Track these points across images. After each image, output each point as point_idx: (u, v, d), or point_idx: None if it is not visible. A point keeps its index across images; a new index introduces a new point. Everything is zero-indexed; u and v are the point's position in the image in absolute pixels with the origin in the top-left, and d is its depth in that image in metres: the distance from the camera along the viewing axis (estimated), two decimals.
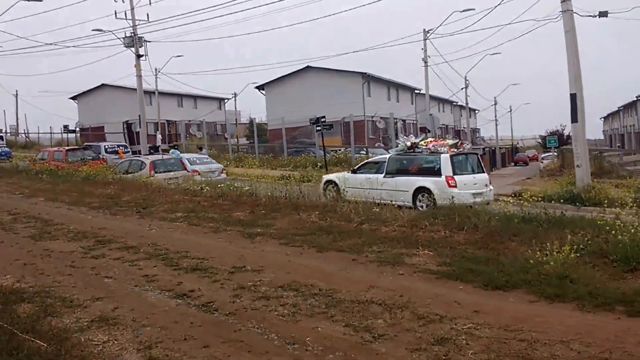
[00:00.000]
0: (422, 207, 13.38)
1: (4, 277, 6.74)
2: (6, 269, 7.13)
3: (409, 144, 15.26)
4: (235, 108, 66.96)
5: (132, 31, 36.42)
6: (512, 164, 69.17)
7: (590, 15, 18.67)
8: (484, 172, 15.06)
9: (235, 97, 64.36)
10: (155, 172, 20.05)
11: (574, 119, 17.62)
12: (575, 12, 17.41)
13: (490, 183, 14.93)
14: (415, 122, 55.38)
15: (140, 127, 38.26)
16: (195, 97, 62.63)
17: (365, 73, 42.27)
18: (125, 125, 54.35)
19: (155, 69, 49.34)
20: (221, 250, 7.83)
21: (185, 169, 21.54)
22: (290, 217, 10.20)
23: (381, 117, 44.52)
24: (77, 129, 51.71)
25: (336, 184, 15.92)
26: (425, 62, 34.28)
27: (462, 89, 48.58)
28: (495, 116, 67.01)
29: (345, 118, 36.75)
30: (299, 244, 8.00)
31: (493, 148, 61.59)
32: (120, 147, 31.18)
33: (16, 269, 7.13)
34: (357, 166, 16.75)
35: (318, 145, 32.13)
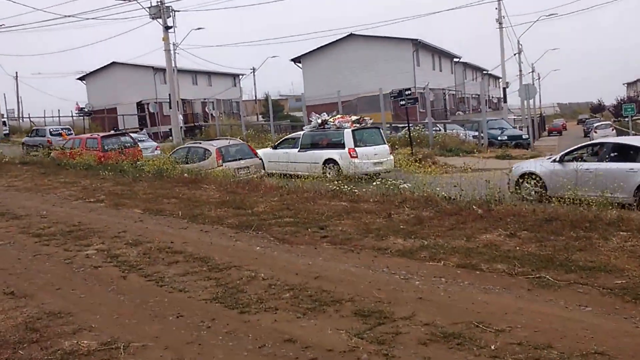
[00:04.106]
0: (329, 175, 15.13)
1: None
2: None
3: (319, 121, 17.02)
4: (255, 84, 62.62)
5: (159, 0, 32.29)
6: (546, 133, 65.64)
7: None
8: (385, 143, 16.79)
9: (254, 72, 60.02)
10: (224, 161, 16.26)
11: None
12: None
13: (391, 153, 16.76)
14: (454, 92, 51.36)
15: (170, 108, 34.27)
16: (209, 74, 58.11)
17: (416, 40, 38.03)
18: (138, 106, 49.97)
19: (173, 44, 44.75)
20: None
21: (256, 155, 17.70)
22: (592, 245, 6.45)
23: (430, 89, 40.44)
24: (89, 111, 47.01)
25: (260, 159, 17.36)
26: (500, 24, 30.29)
27: (514, 54, 44.52)
28: (533, 83, 62.96)
29: (411, 88, 32.55)
30: None
31: (531, 118, 57.99)
32: (64, 130, 32.24)
33: None
34: (277, 142, 18.63)
35: (384, 121, 28.28)
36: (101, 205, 11.21)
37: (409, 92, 22.67)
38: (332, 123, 16.72)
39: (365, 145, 15.97)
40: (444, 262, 6.34)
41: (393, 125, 30.93)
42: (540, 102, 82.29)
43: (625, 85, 79.00)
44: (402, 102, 22.39)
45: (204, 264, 6.62)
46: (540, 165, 11.49)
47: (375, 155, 15.89)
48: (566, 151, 11.75)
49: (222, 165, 15.99)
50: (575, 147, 11.95)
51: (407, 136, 26.42)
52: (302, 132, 17.70)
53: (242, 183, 12.95)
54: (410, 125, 30.20)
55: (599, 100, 73.54)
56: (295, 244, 7.47)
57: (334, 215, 8.91)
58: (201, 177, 13.99)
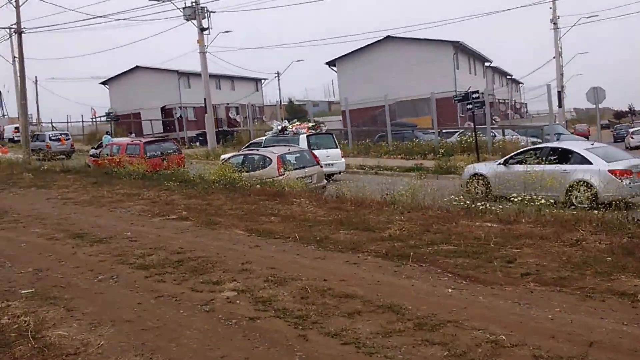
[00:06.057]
0: None
1: None
2: None
3: (280, 127, 18.82)
4: (279, 89, 61.12)
5: (193, 0, 30.88)
6: None
7: None
8: (337, 147, 18.46)
9: (278, 76, 58.54)
10: (286, 170, 14.55)
11: None
12: None
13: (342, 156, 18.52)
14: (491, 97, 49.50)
15: (207, 112, 32.67)
16: (232, 79, 56.61)
17: (457, 42, 36.29)
18: (163, 111, 48.40)
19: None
20: None
21: (318, 162, 15.96)
22: None
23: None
24: (116, 116, 45.70)
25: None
26: (555, 24, 28.54)
27: (553, 58, 42.54)
28: (563, 89, 61.03)
29: (479, 91, 30.75)
30: None
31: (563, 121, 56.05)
32: (62, 135, 33.98)
33: None
34: (244, 147, 19.77)
35: (436, 127, 26.58)
36: (189, 224, 9.54)
37: (476, 94, 20.98)
38: (290, 129, 18.39)
39: (319, 149, 17.26)
40: None
41: (444, 130, 29.16)
42: (564, 107, 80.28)
43: None
44: (469, 106, 20.73)
45: (400, 317, 4.92)
46: (487, 168, 12.79)
47: (328, 158, 17.42)
48: (510, 155, 13.15)
49: (283, 174, 14.35)
50: (519, 151, 13.41)
51: (462, 142, 24.77)
52: (264, 138, 19.06)
53: (336, 196, 11.29)
54: (463, 130, 28.54)
55: (630, 106, 71.43)
56: (492, 284, 5.75)
57: (502, 242, 7.19)
58: (282, 190, 12.37)
